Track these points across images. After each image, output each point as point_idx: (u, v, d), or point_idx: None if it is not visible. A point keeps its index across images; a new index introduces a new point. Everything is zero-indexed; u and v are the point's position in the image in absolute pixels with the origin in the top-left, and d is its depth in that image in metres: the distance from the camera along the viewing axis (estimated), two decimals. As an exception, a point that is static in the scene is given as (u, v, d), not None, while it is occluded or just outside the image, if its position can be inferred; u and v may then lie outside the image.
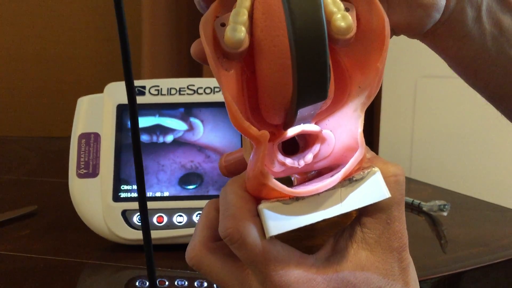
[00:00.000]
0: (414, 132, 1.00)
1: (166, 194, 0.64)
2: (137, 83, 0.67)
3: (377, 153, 1.11)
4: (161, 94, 0.67)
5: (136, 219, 0.63)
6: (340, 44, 0.27)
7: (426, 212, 0.78)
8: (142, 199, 0.37)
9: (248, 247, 0.26)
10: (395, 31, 0.31)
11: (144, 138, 0.65)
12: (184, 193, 0.64)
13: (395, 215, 0.27)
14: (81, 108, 0.67)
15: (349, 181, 0.26)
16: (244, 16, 0.25)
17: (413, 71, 1.04)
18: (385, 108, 1.04)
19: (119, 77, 0.59)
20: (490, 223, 0.78)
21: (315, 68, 0.22)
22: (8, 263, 0.61)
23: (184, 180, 0.64)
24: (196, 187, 0.64)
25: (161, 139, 0.65)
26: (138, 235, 0.62)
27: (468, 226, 0.76)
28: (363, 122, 0.27)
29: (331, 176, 0.26)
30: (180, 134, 0.65)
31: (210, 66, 0.26)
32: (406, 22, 0.30)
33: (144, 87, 0.67)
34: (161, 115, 0.66)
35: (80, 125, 0.66)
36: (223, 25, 0.26)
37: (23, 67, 1.32)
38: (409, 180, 0.99)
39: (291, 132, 0.27)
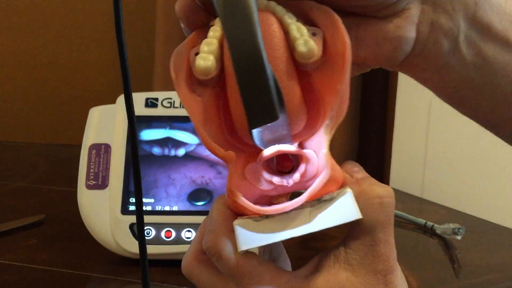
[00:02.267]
0: (427, 152, 0.98)
1: (175, 208, 0.63)
2: (149, 95, 0.66)
3: (389, 173, 1.09)
4: (174, 107, 0.66)
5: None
6: (308, 67, 0.28)
7: (439, 235, 0.76)
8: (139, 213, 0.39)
9: (224, 260, 0.28)
10: (367, 64, 0.31)
11: (156, 150, 0.64)
12: (193, 208, 0.63)
13: (380, 237, 0.27)
14: (93, 118, 0.66)
15: (318, 201, 0.27)
16: (213, 46, 0.28)
17: (427, 91, 1.02)
18: (398, 127, 1.02)
19: (132, 86, 0.59)
20: (506, 248, 0.76)
21: (257, 93, 0.23)
22: (13, 273, 0.60)
23: (193, 196, 0.63)
24: (205, 204, 0.63)
25: (172, 152, 0.64)
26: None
27: (483, 251, 0.74)
28: (328, 143, 0.27)
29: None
30: (192, 148, 0.64)
31: (177, 93, 0.28)
32: (376, 55, 0.30)
33: (156, 99, 0.66)
34: (172, 127, 0.65)
35: (91, 136, 0.65)
36: (197, 54, 0.28)
37: (36, 74, 1.32)
38: (421, 201, 0.97)
39: (267, 152, 0.28)
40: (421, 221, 0.79)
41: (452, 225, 0.74)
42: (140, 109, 0.65)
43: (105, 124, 0.65)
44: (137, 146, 0.35)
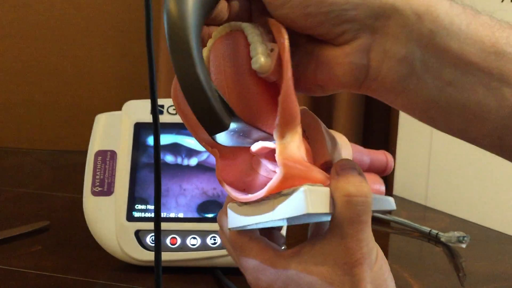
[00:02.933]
0: (431, 159, 0.98)
1: (181, 215, 0.63)
2: (155, 102, 0.66)
3: (392, 180, 1.09)
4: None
5: (149, 239, 0.62)
6: (270, 79, 0.32)
7: (444, 243, 0.76)
8: (157, 221, 0.42)
9: (222, 234, 0.36)
10: (328, 87, 0.33)
11: (169, 159, 0.64)
12: (198, 215, 0.63)
13: (348, 232, 0.30)
14: (99, 125, 0.66)
15: (279, 194, 0.31)
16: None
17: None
18: (401, 134, 1.02)
19: (136, 93, 0.59)
20: (511, 257, 0.76)
21: (202, 111, 0.27)
22: (18, 280, 0.60)
23: (203, 208, 0.63)
24: (214, 216, 0.62)
25: (185, 162, 0.64)
26: (150, 256, 0.61)
27: (488, 259, 0.74)
28: (281, 146, 0.30)
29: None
30: (204, 157, 0.64)
31: (173, 103, 0.34)
32: (331, 79, 0.32)
33: (162, 106, 0.66)
34: (179, 133, 0.65)
35: (97, 142, 0.65)
36: None
37: (40, 80, 1.33)
38: (425, 209, 0.97)
39: (254, 148, 0.32)
40: (426, 229, 0.79)
41: (457, 233, 0.74)
42: (146, 116, 0.65)
43: (111, 131, 0.65)
44: (160, 164, 0.40)
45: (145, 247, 0.61)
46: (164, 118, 0.66)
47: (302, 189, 0.30)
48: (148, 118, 0.66)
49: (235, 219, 0.34)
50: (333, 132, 0.39)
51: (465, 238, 0.73)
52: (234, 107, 0.30)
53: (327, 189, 0.31)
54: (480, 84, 0.30)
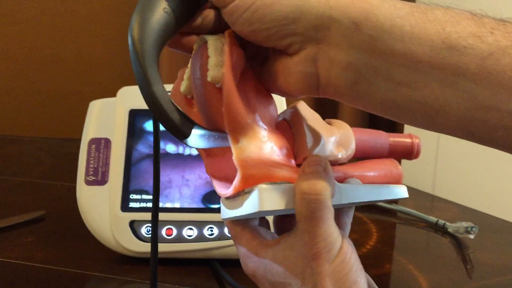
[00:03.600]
0: (439, 148, 0.95)
1: (177, 205, 0.61)
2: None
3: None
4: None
5: (144, 230, 0.60)
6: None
7: (451, 234, 0.73)
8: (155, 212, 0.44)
9: (224, 222, 0.38)
10: (288, 93, 0.35)
11: (170, 148, 0.62)
12: (195, 206, 0.60)
13: (304, 228, 0.31)
14: (93, 112, 0.64)
15: (243, 192, 0.33)
16: (187, 74, 0.36)
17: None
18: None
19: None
20: (521, 248, 0.73)
21: (164, 122, 0.31)
22: (9, 271, 0.58)
23: (208, 198, 0.61)
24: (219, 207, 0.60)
25: (187, 151, 0.62)
26: (145, 247, 0.59)
27: (497, 250, 0.71)
28: (234, 150, 0.33)
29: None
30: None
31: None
32: (287, 86, 0.33)
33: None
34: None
35: (90, 130, 0.63)
36: None
37: (40, 68, 1.31)
38: (432, 198, 0.94)
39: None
40: (433, 219, 0.77)
41: (465, 224, 0.71)
42: (141, 103, 0.63)
43: (106, 118, 0.63)
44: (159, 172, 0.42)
45: (140, 238, 0.59)
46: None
47: (257, 187, 0.32)
48: (144, 105, 0.63)
49: (223, 211, 0.36)
50: (334, 121, 0.39)
51: (473, 229, 0.70)
52: (204, 114, 0.34)
53: (290, 186, 0.32)
54: (435, 81, 0.30)
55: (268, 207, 0.32)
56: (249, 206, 0.33)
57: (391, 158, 0.43)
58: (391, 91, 0.31)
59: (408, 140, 0.43)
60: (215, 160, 0.37)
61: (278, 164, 0.33)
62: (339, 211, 0.40)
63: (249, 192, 0.33)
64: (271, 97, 0.37)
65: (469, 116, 0.30)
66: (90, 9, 1.30)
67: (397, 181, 0.41)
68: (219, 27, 0.35)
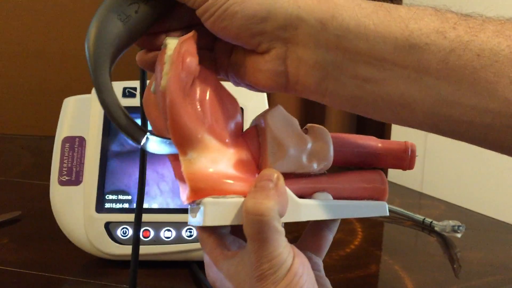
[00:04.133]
0: (427, 144, 0.94)
1: (155, 206, 0.59)
2: (127, 84, 0.62)
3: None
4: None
5: (120, 232, 0.57)
6: None
7: (438, 232, 0.72)
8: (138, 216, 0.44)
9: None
10: (258, 89, 0.35)
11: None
12: (172, 206, 0.58)
13: (249, 247, 0.31)
14: (67, 109, 0.62)
15: (195, 203, 0.33)
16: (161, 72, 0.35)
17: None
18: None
19: (122, 75, 0.55)
20: (510, 247, 0.72)
21: (118, 128, 0.32)
22: (-21, 276, 0.56)
23: None
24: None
25: None
26: (122, 250, 0.57)
27: (485, 249, 0.69)
28: (182, 163, 0.32)
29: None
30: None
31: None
32: (257, 82, 0.34)
33: (135, 89, 0.62)
34: (152, 119, 0.61)
35: (64, 128, 0.61)
36: None
37: (23, 63, 1.28)
38: (420, 195, 0.93)
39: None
40: (419, 217, 0.75)
41: (451, 222, 0.70)
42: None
43: (80, 115, 0.61)
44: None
45: (116, 240, 0.57)
46: (137, 102, 0.61)
47: (203, 203, 0.32)
48: (120, 101, 0.61)
49: (188, 217, 0.35)
50: (313, 128, 0.37)
51: (460, 228, 0.68)
52: (164, 120, 0.33)
53: (239, 201, 0.32)
54: (399, 77, 0.31)
55: (211, 222, 0.31)
56: (199, 218, 0.32)
57: (380, 167, 0.40)
58: (357, 88, 0.32)
59: (401, 148, 0.40)
60: (180, 165, 0.35)
61: (231, 177, 0.32)
62: (321, 224, 0.39)
63: (197, 205, 0.32)
64: (235, 102, 0.36)
65: (434, 111, 0.31)
66: (75, 3, 1.27)
67: (380, 195, 0.39)
68: (192, 24, 0.35)
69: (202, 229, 0.35)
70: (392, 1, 0.34)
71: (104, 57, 0.32)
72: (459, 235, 0.69)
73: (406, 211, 0.77)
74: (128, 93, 0.61)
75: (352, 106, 0.33)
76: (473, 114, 0.30)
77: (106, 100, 0.32)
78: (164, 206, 0.58)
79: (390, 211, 0.79)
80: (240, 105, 0.60)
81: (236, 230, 0.36)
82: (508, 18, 0.31)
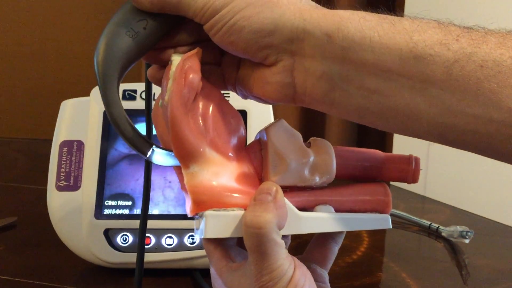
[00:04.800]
0: (430, 146, 0.92)
1: (156, 212, 0.57)
2: (127, 86, 0.60)
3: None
4: (154, 99, 0.59)
5: (120, 239, 0.56)
6: None
7: (445, 238, 0.70)
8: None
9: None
10: (265, 101, 0.36)
11: None
12: (174, 212, 0.57)
13: (250, 259, 0.31)
14: (65, 112, 0.60)
15: (199, 216, 0.33)
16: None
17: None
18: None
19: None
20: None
21: (125, 140, 0.34)
22: (-27, 285, 0.54)
23: None
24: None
25: None
26: (121, 257, 0.55)
27: (494, 256, 0.68)
28: (185, 176, 0.33)
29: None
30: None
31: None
32: (264, 94, 0.35)
33: (135, 91, 0.60)
34: (153, 122, 0.59)
35: (62, 132, 0.59)
36: None
37: (19, 65, 1.26)
38: (423, 199, 0.91)
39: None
40: (426, 222, 0.74)
41: (459, 228, 0.68)
42: (116, 102, 0.59)
43: (78, 119, 0.59)
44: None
45: (116, 248, 0.55)
46: (136, 105, 0.59)
47: (205, 216, 0.32)
48: (119, 105, 0.59)
49: (195, 229, 0.36)
50: (316, 142, 0.37)
51: (469, 233, 0.67)
52: (167, 135, 0.34)
53: (240, 213, 0.32)
54: (404, 88, 0.31)
55: (212, 234, 0.32)
56: (201, 230, 0.33)
57: (383, 181, 0.40)
58: (364, 98, 0.32)
59: (405, 161, 0.39)
60: None
61: (233, 190, 0.33)
62: (326, 236, 0.39)
63: (200, 217, 0.33)
64: (239, 117, 0.36)
65: (439, 121, 0.31)
66: (72, 4, 1.25)
67: (383, 209, 0.38)
68: (200, 40, 0.36)
69: (208, 241, 0.35)
70: (394, 13, 0.34)
71: (112, 72, 0.33)
72: (467, 241, 0.67)
73: (412, 216, 0.76)
74: (128, 95, 0.60)
75: (359, 117, 0.34)
76: (477, 123, 0.30)
77: (114, 114, 0.33)
78: (166, 212, 0.56)
79: (395, 215, 0.77)
80: (244, 108, 0.59)
81: (242, 242, 0.35)
82: (509, 30, 0.31)
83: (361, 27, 0.32)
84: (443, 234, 0.70)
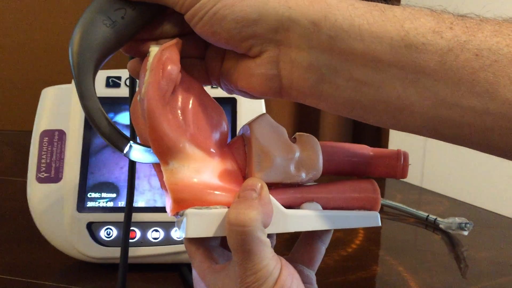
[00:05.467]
0: (427, 137, 0.90)
1: (141, 204, 0.54)
2: (111, 73, 0.57)
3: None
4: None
5: (104, 233, 0.53)
6: None
7: (443, 230, 0.68)
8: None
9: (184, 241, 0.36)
10: (251, 94, 0.34)
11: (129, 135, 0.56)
12: (160, 204, 0.54)
13: (235, 259, 0.30)
14: (45, 100, 0.57)
15: (180, 215, 0.32)
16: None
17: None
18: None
19: (105, 64, 0.51)
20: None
21: (101, 135, 0.32)
22: (-51, 282, 0.51)
23: None
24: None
25: None
26: (106, 252, 0.53)
27: (493, 248, 0.66)
28: (164, 172, 0.32)
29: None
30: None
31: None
32: (249, 87, 0.33)
33: (119, 78, 0.57)
34: (139, 111, 0.56)
35: (43, 121, 0.56)
36: None
37: (7, 56, 1.23)
38: (420, 191, 0.89)
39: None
40: (423, 214, 0.71)
41: (458, 219, 0.66)
42: (100, 89, 0.56)
43: (60, 107, 0.56)
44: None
45: (99, 242, 0.53)
46: (121, 92, 0.57)
47: (185, 216, 0.31)
48: (103, 92, 0.56)
49: (176, 229, 0.36)
50: (301, 137, 0.36)
51: (468, 225, 0.65)
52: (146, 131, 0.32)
53: (223, 211, 0.31)
54: (396, 79, 0.30)
55: (194, 233, 0.31)
56: (182, 230, 0.31)
57: (372, 176, 0.38)
58: (353, 90, 0.31)
59: (393, 156, 0.38)
60: None
61: (216, 187, 0.31)
62: (313, 236, 0.38)
63: (181, 216, 0.31)
64: (221, 111, 0.35)
65: (433, 114, 0.30)
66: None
67: (372, 206, 0.37)
68: (183, 33, 0.34)
69: (190, 242, 0.34)
70: (387, 2, 0.32)
71: (88, 63, 0.32)
72: (466, 233, 0.65)
73: (408, 207, 0.74)
74: (112, 82, 0.57)
75: (349, 111, 0.32)
76: (473, 116, 0.29)
77: (89, 107, 0.31)
78: (152, 204, 0.54)
79: (391, 207, 0.75)
80: (233, 95, 0.57)
81: (225, 242, 0.34)
82: (505, 18, 0.30)
83: (350, 14, 0.30)
84: (441, 226, 0.68)
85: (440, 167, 0.89)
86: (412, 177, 0.90)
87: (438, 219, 0.69)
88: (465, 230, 0.65)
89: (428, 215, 0.71)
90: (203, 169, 0.32)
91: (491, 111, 0.28)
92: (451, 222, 0.66)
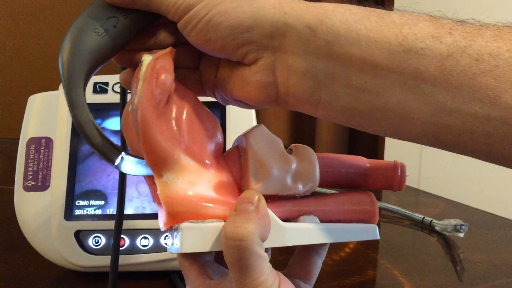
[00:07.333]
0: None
1: (130, 210, 0.53)
2: (98, 79, 0.57)
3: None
4: (127, 92, 0.56)
5: (92, 241, 0.52)
6: None
7: (439, 232, 0.67)
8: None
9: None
10: (247, 103, 0.34)
11: (117, 142, 0.55)
12: (149, 210, 0.53)
13: (231, 275, 0.29)
14: (32, 107, 0.56)
15: (175, 229, 0.31)
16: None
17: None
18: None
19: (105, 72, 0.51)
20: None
21: (92, 146, 0.31)
22: None
23: None
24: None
25: None
26: (94, 261, 0.52)
27: (489, 250, 0.65)
28: (158, 185, 0.30)
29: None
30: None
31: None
32: (245, 96, 0.32)
33: (106, 84, 0.56)
34: (127, 116, 0.55)
35: (30, 128, 0.55)
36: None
37: (2, 63, 1.22)
38: (418, 193, 0.88)
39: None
40: (418, 216, 0.70)
41: (453, 221, 0.65)
42: (87, 96, 0.55)
43: (46, 114, 0.55)
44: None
45: (87, 251, 0.52)
46: (108, 98, 0.56)
47: (180, 230, 0.30)
48: (90, 98, 0.56)
49: (168, 245, 0.33)
50: (298, 148, 0.35)
51: (463, 227, 0.64)
52: (138, 143, 0.31)
53: (219, 225, 0.30)
54: (395, 85, 0.29)
55: (189, 248, 0.30)
56: (177, 245, 0.30)
57: (369, 189, 0.38)
58: (351, 97, 0.30)
59: (390, 168, 0.37)
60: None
61: (211, 200, 0.30)
62: (309, 249, 0.37)
63: (175, 230, 0.30)
64: (216, 122, 0.34)
65: (433, 121, 0.29)
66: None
67: (370, 218, 0.36)
68: (177, 43, 0.34)
69: (183, 257, 0.33)
70: (383, 8, 0.31)
71: (78, 72, 0.31)
72: (461, 235, 0.64)
73: (403, 210, 0.73)
74: (99, 88, 0.56)
75: (347, 118, 0.31)
76: (474, 122, 0.28)
77: (79, 117, 0.30)
78: (140, 211, 0.53)
79: (387, 210, 0.74)
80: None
81: (220, 258, 0.33)
82: (505, 23, 0.29)
83: (347, 19, 0.30)
84: (436, 228, 0.67)
85: (437, 169, 0.88)
86: (409, 179, 0.89)
87: (434, 221, 0.68)
88: (460, 231, 0.64)
89: (423, 217, 0.70)
90: (198, 181, 0.31)
91: (492, 117, 0.27)
92: (446, 224, 0.66)
